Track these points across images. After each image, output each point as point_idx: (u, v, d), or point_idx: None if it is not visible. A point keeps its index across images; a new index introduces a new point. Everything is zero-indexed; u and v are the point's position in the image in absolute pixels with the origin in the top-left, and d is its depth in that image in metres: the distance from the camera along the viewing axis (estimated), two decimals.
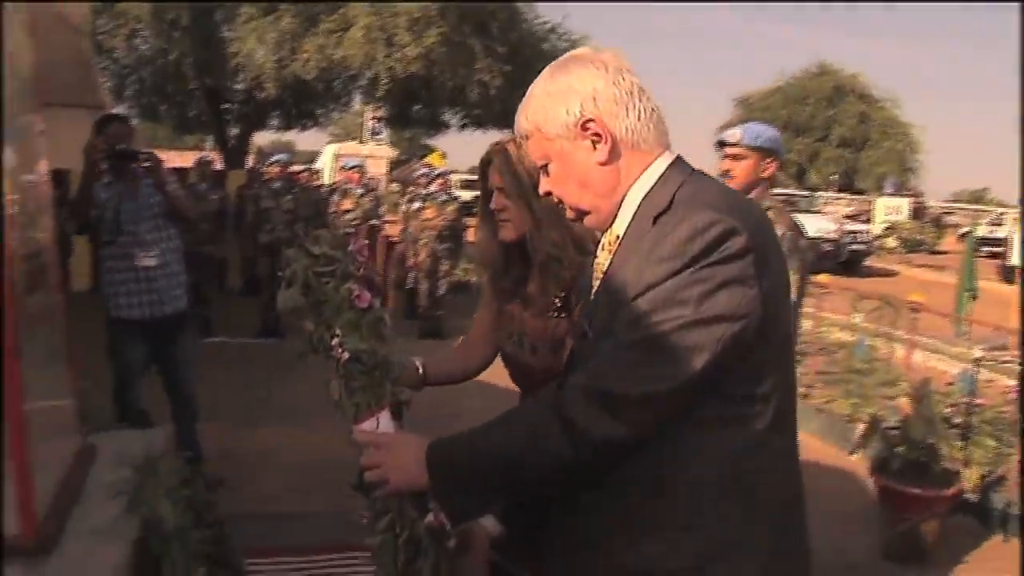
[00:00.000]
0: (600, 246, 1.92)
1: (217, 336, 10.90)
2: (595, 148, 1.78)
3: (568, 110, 1.77)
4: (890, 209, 32.57)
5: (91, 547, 1.71)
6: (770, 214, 3.76)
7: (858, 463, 6.40)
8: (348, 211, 11.44)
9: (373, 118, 30.78)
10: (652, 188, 1.78)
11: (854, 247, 23.92)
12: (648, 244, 1.68)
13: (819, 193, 34.32)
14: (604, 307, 1.77)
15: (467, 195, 26.22)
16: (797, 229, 3.80)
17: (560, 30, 18.32)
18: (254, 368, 9.39)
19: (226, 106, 19.15)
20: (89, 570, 1.64)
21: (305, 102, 19.71)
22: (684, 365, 1.59)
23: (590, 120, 1.76)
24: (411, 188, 12.55)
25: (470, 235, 13.10)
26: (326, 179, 19.98)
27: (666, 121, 1.84)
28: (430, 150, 36.48)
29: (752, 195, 3.88)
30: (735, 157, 3.95)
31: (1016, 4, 21.10)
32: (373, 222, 7.80)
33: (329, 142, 32.31)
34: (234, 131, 19.71)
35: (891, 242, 29.17)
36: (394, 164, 32.02)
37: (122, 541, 1.76)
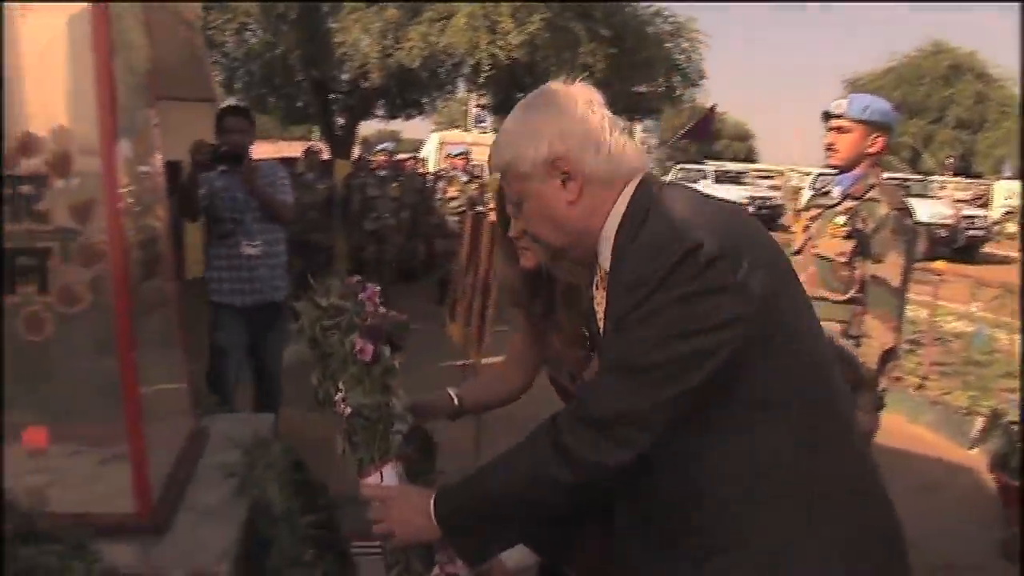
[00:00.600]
0: (594, 285, 1.90)
1: None
2: (565, 186, 1.74)
3: (537, 149, 1.73)
4: (1009, 193, 31.28)
5: (202, 528, 1.75)
6: (874, 192, 3.60)
7: (977, 458, 6.18)
8: (453, 198, 11.52)
9: (477, 106, 30.95)
10: (623, 217, 1.73)
11: (971, 233, 23.12)
12: (627, 267, 1.67)
13: (934, 177, 33.24)
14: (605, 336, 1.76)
15: None
16: (905, 209, 3.59)
17: (665, 12, 18.16)
18: None
19: (332, 96, 19.43)
20: (200, 550, 1.67)
21: (409, 91, 19.86)
22: (662, 381, 1.58)
23: (559, 159, 1.72)
24: None
25: None
26: (431, 167, 20.20)
27: (639, 147, 1.81)
28: None
29: (856, 171, 3.70)
30: (839, 130, 3.71)
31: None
32: (479, 209, 7.81)
33: (433, 130, 32.65)
34: (340, 121, 20.00)
35: (1010, 227, 28.04)
36: None
37: (232, 523, 1.79)
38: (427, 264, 14.69)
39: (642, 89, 18.74)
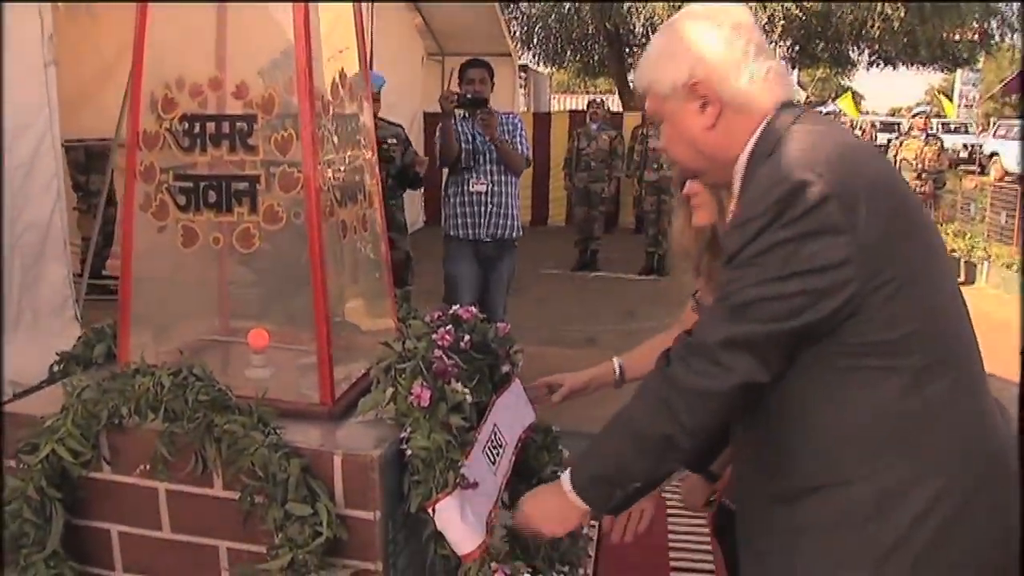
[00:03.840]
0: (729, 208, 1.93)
1: (603, 271, 11.41)
2: (703, 111, 1.75)
3: (676, 72, 1.75)
4: None
5: (370, 426, 2.03)
6: None
7: None
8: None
9: (780, 58, 30.01)
10: (753, 147, 1.74)
11: None
12: (743, 201, 1.69)
13: None
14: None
15: (883, 138, 24.89)
16: None
17: None
18: (631, 302, 9.76)
19: (626, 49, 19.62)
20: (363, 439, 1.96)
21: None
22: (766, 317, 1.60)
23: (698, 83, 1.73)
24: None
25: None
26: None
27: (786, 76, 1.80)
28: (845, 91, 34.91)
29: None
30: None
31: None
32: None
33: None
34: (633, 74, 20.17)
35: None
36: (806, 106, 31.15)
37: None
38: None
39: (954, 37, 17.50)
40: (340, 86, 2.21)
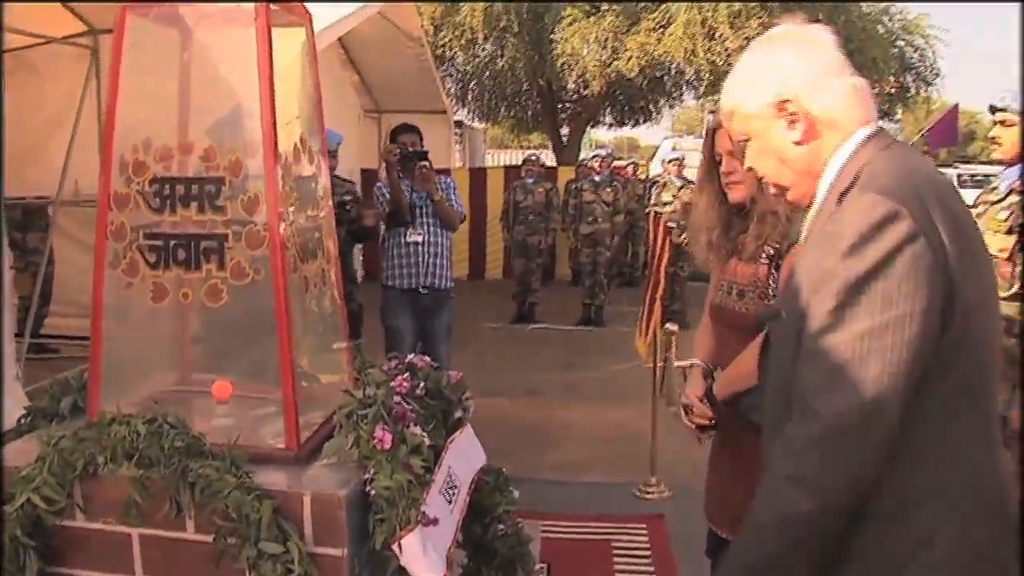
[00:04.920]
0: (805, 225, 1.94)
1: (541, 323, 11.58)
2: (791, 127, 1.80)
3: (766, 90, 1.80)
4: None
5: (335, 468, 2.15)
6: None
7: None
8: (666, 203, 11.72)
9: (711, 112, 30.69)
10: (843, 165, 1.76)
11: None
12: (825, 229, 1.70)
13: None
14: (794, 291, 1.75)
15: None
16: None
17: (893, 10, 17.52)
18: (571, 352, 9.94)
19: (559, 105, 20.01)
20: (328, 481, 2.07)
21: (634, 98, 20.18)
22: (877, 375, 1.55)
23: (787, 100, 1.78)
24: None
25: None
26: (654, 173, 20.37)
27: (868, 93, 1.83)
28: None
29: (1017, 168, 3.65)
30: (1003, 123, 3.67)
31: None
32: (657, 210, 8.05)
33: (666, 137, 32.67)
34: (567, 129, 20.53)
35: None
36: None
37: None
38: (645, 268, 14.96)
39: (874, 90, 18.16)
40: (300, 148, 2.36)
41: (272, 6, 2.16)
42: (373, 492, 2.03)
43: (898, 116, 24.80)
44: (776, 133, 1.83)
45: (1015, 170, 3.68)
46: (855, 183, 1.69)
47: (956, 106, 17.77)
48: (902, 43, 17.72)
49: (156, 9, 2.27)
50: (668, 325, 5.70)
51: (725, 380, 2.61)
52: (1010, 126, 3.66)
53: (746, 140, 1.91)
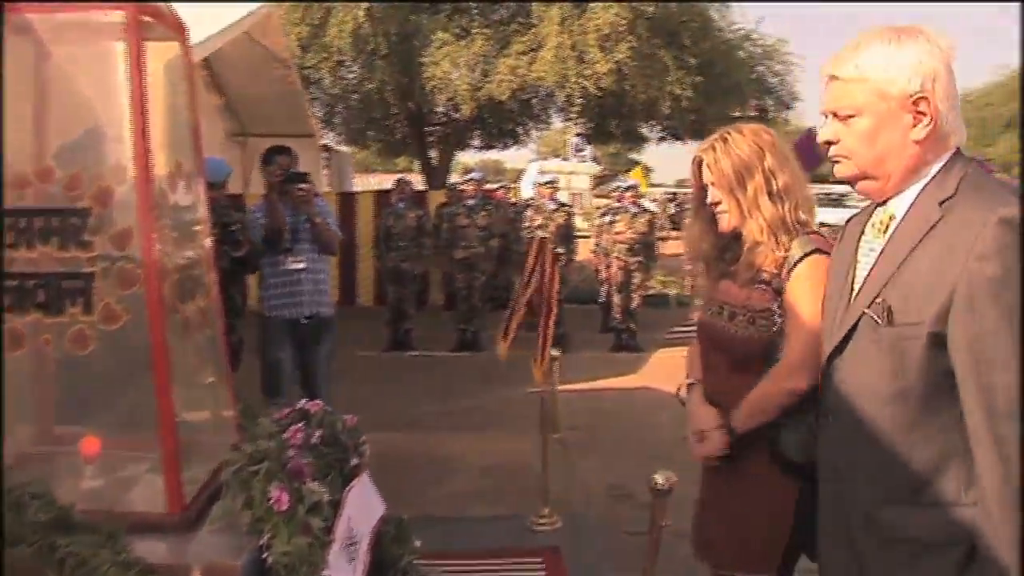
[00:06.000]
0: (868, 224, 2.04)
1: (417, 350, 11.35)
2: (915, 125, 1.85)
3: (911, 80, 1.82)
4: None
5: (226, 532, 1.91)
6: None
7: None
8: (540, 226, 11.67)
9: (576, 135, 31.06)
10: (936, 175, 1.86)
11: None
12: (948, 233, 1.77)
13: None
14: (901, 289, 1.83)
15: (660, 209, 26.12)
16: None
17: (755, 36, 18.06)
18: (451, 379, 9.74)
19: (428, 128, 19.85)
20: (219, 549, 1.84)
21: (503, 121, 20.16)
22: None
23: (924, 99, 1.83)
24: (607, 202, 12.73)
25: (666, 248, 13.11)
26: (524, 196, 20.38)
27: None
28: (635, 164, 36.55)
29: None
30: None
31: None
32: (542, 235, 7.98)
33: (532, 160, 32.88)
34: (436, 152, 20.39)
35: None
36: (598, 179, 32.18)
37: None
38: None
39: (736, 113, 18.65)
40: (177, 175, 2.12)
41: (145, 17, 1.92)
42: (271, 560, 1.80)
43: None
44: (898, 123, 1.86)
45: None
46: (957, 191, 1.80)
47: (811, 129, 18.41)
48: (762, 68, 18.22)
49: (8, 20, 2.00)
50: (552, 351, 5.59)
51: (747, 413, 2.58)
52: None
53: (849, 115, 1.91)
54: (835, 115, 1.94)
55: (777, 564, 2.56)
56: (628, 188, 12.30)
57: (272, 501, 1.85)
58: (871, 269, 1.94)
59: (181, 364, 2.07)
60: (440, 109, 17.66)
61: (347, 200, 15.09)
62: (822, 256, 2.48)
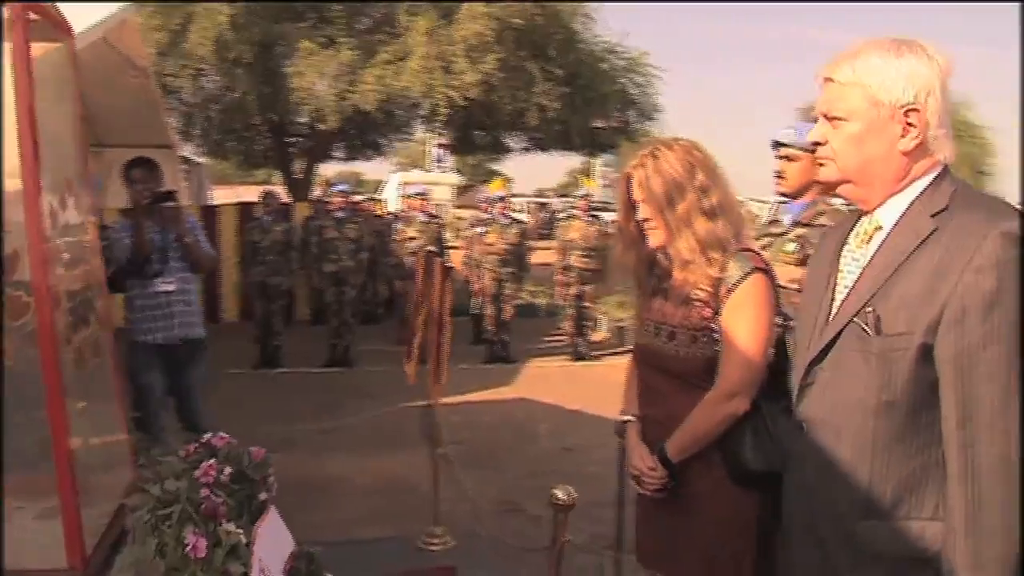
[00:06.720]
0: (852, 234, 2.04)
1: (286, 367, 11.04)
2: (904, 135, 1.86)
3: (905, 90, 1.84)
4: None
5: None
6: (824, 219, 3.65)
7: None
8: (412, 238, 11.52)
9: (437, 145, 30.94)
10: (926, 188, 1.88)
11: None
12: (944, 246, 1.78)
13: None
14: (892, 300, 1.83)
15: (532, 219, 26.24)
16: None
17: (619, 49, 18.26)
18: (324, 396, 9.48)
19: (290, 140, 19.39)
20: None
21: (367, 132, 19.88)
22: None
23: (916, 110, 1.85)
24: (474, 213, 12.68)
25: (534, 258, 13.13)
26: (392, 208, 20.14)
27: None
28: (495, 175, 36.70)
29: (805, 199, 3.75)
30: (788, 158, 3.76)
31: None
32: (430, 248, 7.83)
33: (393, 171, 32.62)
34: (299, 164, 19.93)
35: None
36: (460, 190, 32.19)
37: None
38: (388, 305, 14.69)
39: (599, 124, 18.86)
40: (67, 192, 1.92)
41: (31, 15, 1.72)
42: None
43: (620, 149, 25.96)
44: (886, 132, 1.87)
45: (798, 204, 3.76)
46: (948, 206, 1.82)
47: None
48: (624, 80, 18.45)
49: None
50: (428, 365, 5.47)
51: (681, 443, 2.60)
52: (794, 160, 3.73)
53: (841, 118, 1.92)
54: (826, 117, 1.96)
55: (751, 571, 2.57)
56: (498, 199, 12.28)
57: (189, 548, 1.68)
58: (857, 279, 1.94)
59: (76, 401, 1.87)
60: (304, 120, 17.26)
61: (209, 214, 14.61)
62: (761, 275, 2.50)
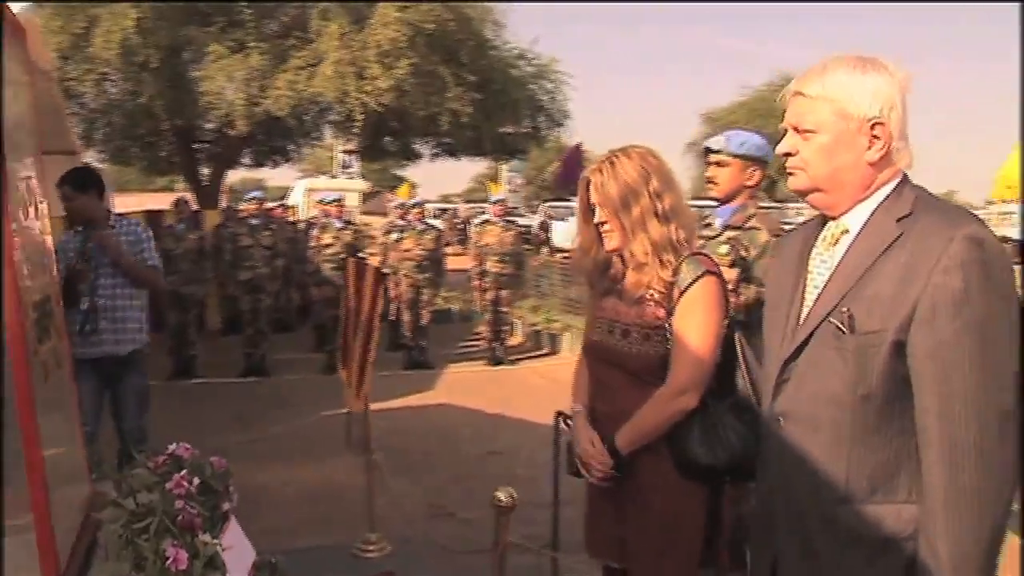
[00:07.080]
0: (819, 238, 2.12)
1: (202, 376, 10.83)
2: (870, 147, 1.97)
3: (871, 105, 1.94)
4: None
5: None
6: (754, 222, 3.77)
7: None
8: (328, 245, 11.39)
9: (344, 151, 30.65)
10: (889, 195, 1.99)
11: None
12: (910, 249, 1.89)
13: (790, 205, 34.42)
14: (864, 300, 1.94)
15: (447, 224, 26.12)
16: (783, 235, 3.76)
17: (529, 55, 18.39)
18: (244, 406, 9.33)
19: (197, 146, 19.06)
20: None
21: (276, 138, 19.67)
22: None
23: (881, 124, 1.95)
24: (388, 219, 12.60)
25: (450, 263, 13.12)
26: (301, 214, 19.93)
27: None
28: (401, 181, 36.56)
29: (735, 203, 3.85)
30: (719, 164, 3.87)
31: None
32: (361, 255, 7.77)
33: (300, 177, 32.21)
34: (206, 170, 19.58)
35: None
36: (366, 196, 31.94)
37: None
38: (303, 312, 14.52)
39: (509, 130, 18.98)
40: (28, 196, 1.87)
41: None
42: None
43: (525, 156, 26.11)
44: (854, 144, 1.98)
45: (729, 208, 3.87)
46: (912, 211, 1.93)
47: (579, 145, 18.90)
48: (535, 86, 18.60)
49: None
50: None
51: (630, 436, 2.70)
52: (724, 166, 3.85)
53: (811, 131, 2.01)
54: (796, 129, 2.05)
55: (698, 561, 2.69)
56: (414, 205, 12.26)
57: (170, 561, 1.65)
58: (828, 280, 2.04)
59: (43, 416, 1.83)
60: (211, 126, 16.97)
61: None
62: (712, 278, 2.61)
